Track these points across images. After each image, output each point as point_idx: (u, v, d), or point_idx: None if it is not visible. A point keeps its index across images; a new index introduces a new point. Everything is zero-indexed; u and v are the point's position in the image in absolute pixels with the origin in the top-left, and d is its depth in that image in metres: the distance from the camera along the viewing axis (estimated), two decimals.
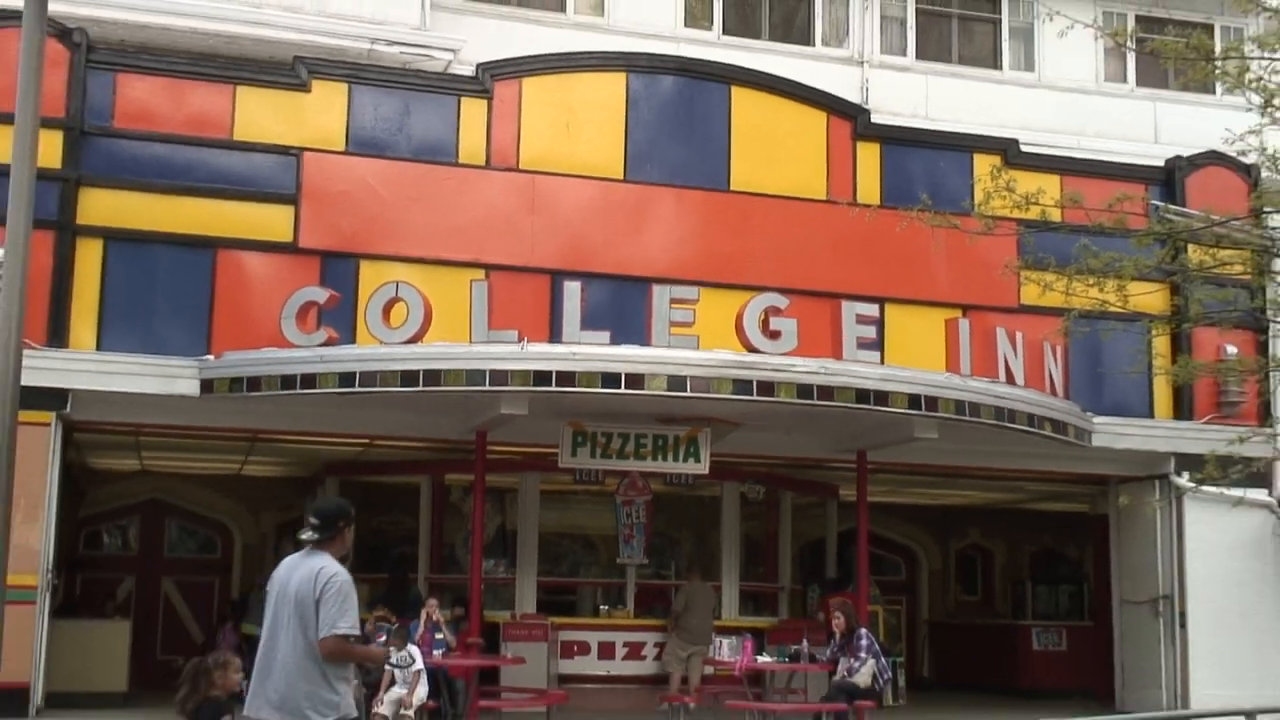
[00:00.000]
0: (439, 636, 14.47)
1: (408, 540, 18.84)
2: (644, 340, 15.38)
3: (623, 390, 14.08)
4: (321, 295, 15.47)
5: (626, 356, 14.37)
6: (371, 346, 14.96)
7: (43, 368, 14.65)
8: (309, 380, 14.52)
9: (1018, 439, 16.28)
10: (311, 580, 6.90)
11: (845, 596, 18.41)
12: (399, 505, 19.43)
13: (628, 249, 16.84)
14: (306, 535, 7.15)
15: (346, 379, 14.39)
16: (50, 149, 15.02)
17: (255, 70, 16.63)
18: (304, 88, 16.35)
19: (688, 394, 14.19)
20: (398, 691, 13.37)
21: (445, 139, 16.70)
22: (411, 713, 13.34)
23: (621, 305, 16.24)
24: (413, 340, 14.96)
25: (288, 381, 14.61)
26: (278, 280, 15.65)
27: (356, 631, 7.00)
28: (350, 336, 15.35)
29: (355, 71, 16.80)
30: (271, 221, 15.93)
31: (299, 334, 15.11)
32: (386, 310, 15.25)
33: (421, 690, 13.51)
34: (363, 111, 16.52)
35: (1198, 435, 17.12)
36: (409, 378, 14.18)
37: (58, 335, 15.11)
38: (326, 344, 14.97)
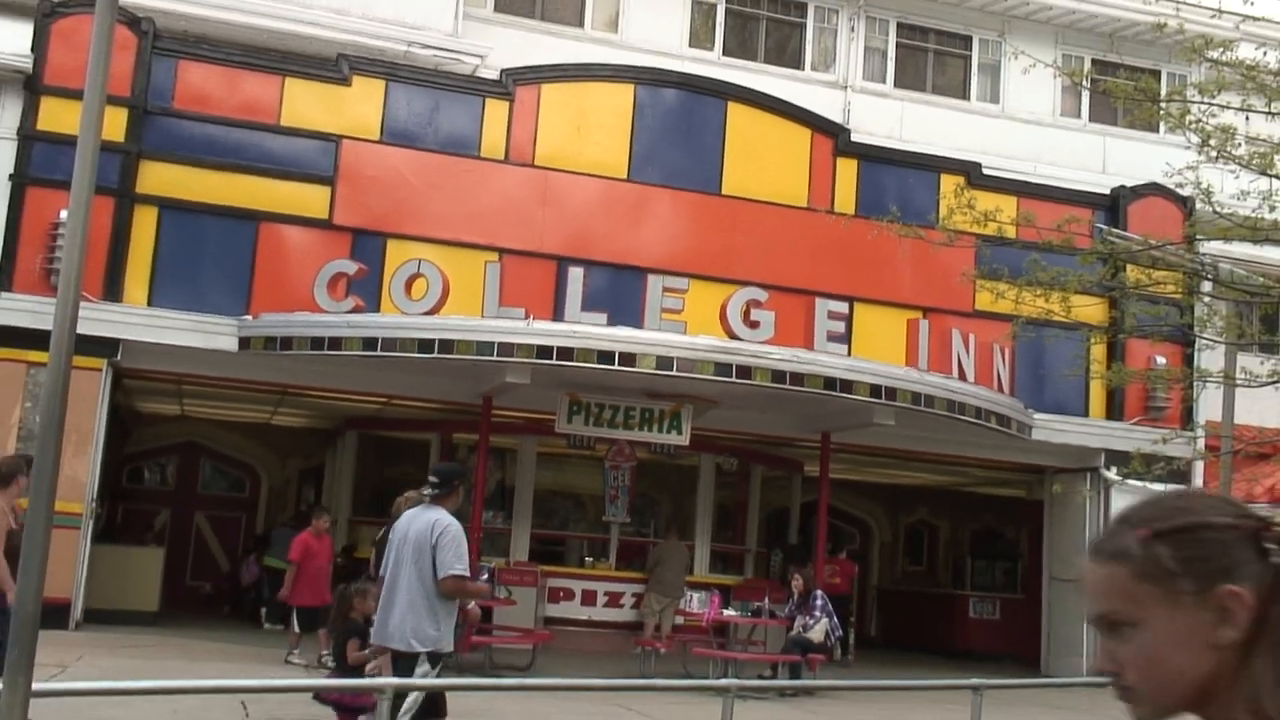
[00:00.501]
0: None
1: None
2: (638, 323, 15.44)
3: (616, 367, 14.08)
4: (351, 268, 15.48)
5: (621, 337, 14.38)
6: (394, 316, 15.00)
7: (98, 319, 14.57)
8: (336, 343, 14.53)
9: (966, 429, 16.29)
10: (429, 529, 7.34)
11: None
12: (410, 459, 19.37)
13: (627, 241, 16.81)
14: (427, 491, 7.62)
15: (370, 343, 14.39)
16: (116, 124, 14.97)
17: (302, 64, 16.56)
18: (345, 82, 16.28)
19: (674, 373, 14.21)
20: None
21: (469, 135, 16.65)
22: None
23: (619, 291, 16.22)
24: (431, 312, 15.00)
25: (317, 343, 14.61)
26: (312, 252, 15.64)
27: (467, 573, 7.62)
28: (375, 306, 15.36)
29: (392, 70, 16.74)
30: (310, 199, 15.89)
31: (329, 301, 15.14)
32: (409, 284, 15.28)
33: None
34: (397, 106, 16.47)
35: (1126, 434, 17.15)
36: (426, 345, 14.17)
37: (113, 291, 15.06)
38: (353, 311, 15.01)
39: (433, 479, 7.68)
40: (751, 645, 15.55)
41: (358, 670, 7.93)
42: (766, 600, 15.24)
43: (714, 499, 18.74)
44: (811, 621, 14.19)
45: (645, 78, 17.51)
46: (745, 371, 14.35)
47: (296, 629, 13.91)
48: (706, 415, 16.17)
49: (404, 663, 7.34)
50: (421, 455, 18.76)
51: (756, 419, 17.28)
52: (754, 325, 15.90)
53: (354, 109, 16.28)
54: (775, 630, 15.20)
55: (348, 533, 18.94)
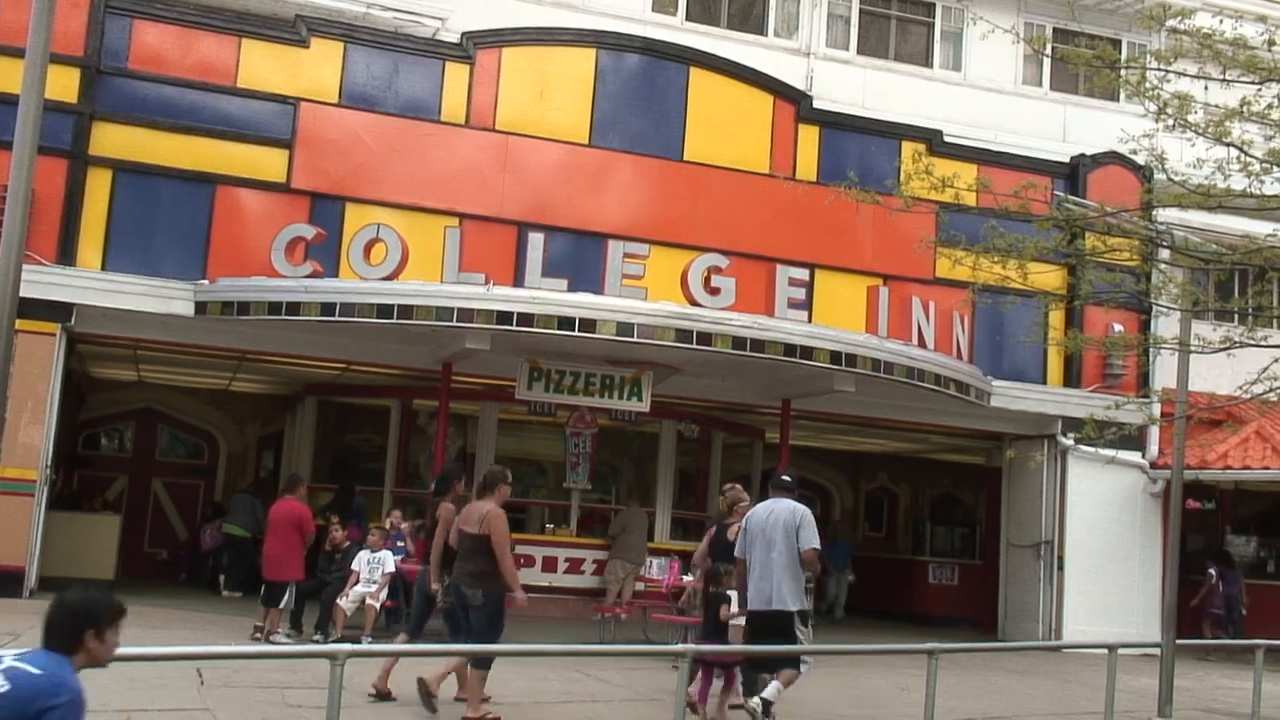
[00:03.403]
0: (400, 544, 14.45)
1: (376, 457, 18.80)
2: (598, 289, 15.42)
3: (576, 333, 14.06)
4: (309, 232, 15.36)
5: (581, 303, 14.34)
6: (352, 281, 14.90)
7: (50, 283, 14.47)
8: (294, 308, 14.41)
9: (926, 396, 16.40)
10: (793, 514, 9.44)
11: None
12: (370, 425, 19.36)
13: (588, 207, 16.75)
14: (780, 485, 9.80)
15: (328, 309, 14.29)
16: (68, 85, 14.78)
17: (259, 25, 16.36)
18: (303, 44, 16.10)
19: (634, 340, 14.21)
20: (362, 590, 13.35)
21: (429, 98, 16.51)
22: (378, 604, 13.34)
23: (580, 257, 16.19)
24: (390, 277, 14.92)
25: (274, 308, 14.50)
26: (270, 216, 15.50)
27: (819, 546, 9.50)
28: (334, 271, 15.25)
29: (351, 32, 16.55)
30: (267, 163, 15.73)
31: (287, 265, 15.02)
32: (368, 249, 15.19)
33: (384, 591, 13.51)
34: (356, 69, 16.30)
35: (1083, 401, 17.32)
36: (384, 310, 14.09)
37: (66, 254, 14.88)
38: (311, 276, 14.89)
39: (785, 479, 9.91)
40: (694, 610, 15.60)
41: (724, 631, 9.76)
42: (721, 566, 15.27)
43: (675, 466, 18.78)
44: None
45: (608, 42, 17.40)
46: (706, 338, 14.36)
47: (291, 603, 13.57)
48: (667, 382, 16.20)
49: (782, 620, 9.28)
50: (381, 421, 18.74)
51: (717, 386, 17.32)
52: (715, 292, 15.91)
53: (312, 71, 16.10)
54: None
55: (306, 500, 18.83)
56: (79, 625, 4.22)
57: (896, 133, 18.34)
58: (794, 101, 18.12)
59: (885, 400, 17.21)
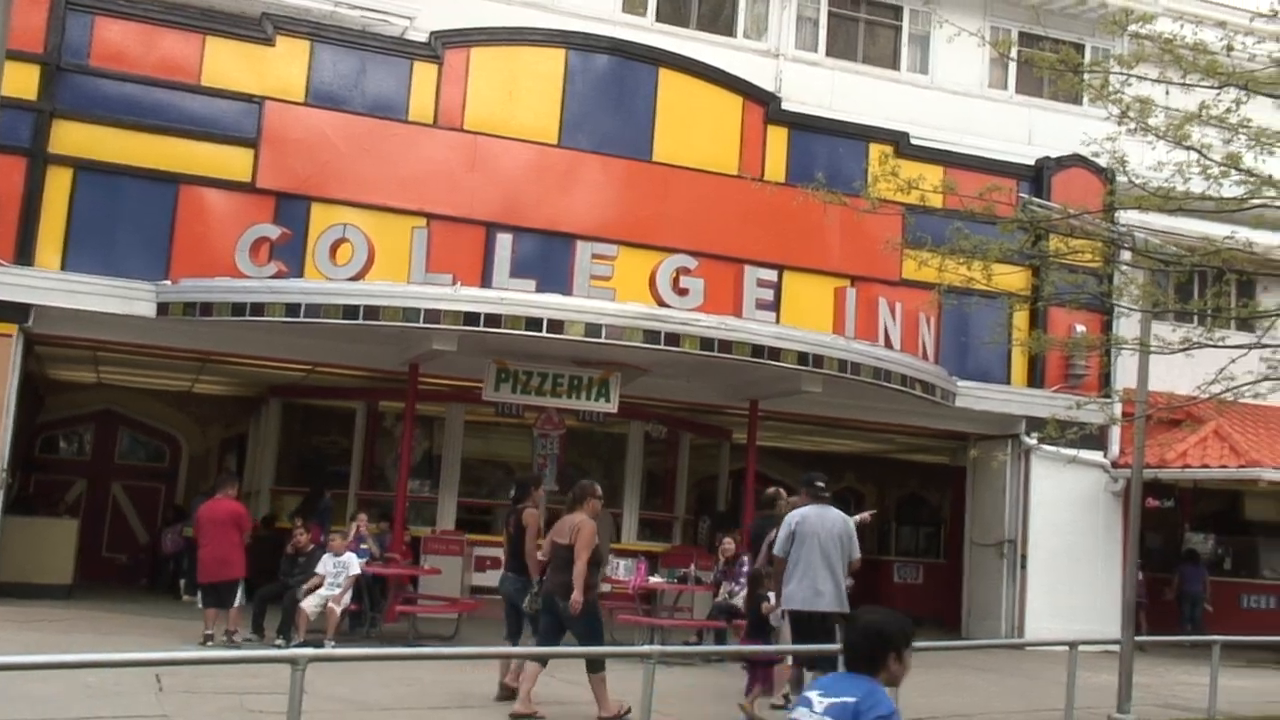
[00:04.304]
0: (364, 546, 14.49)
1: (342, 459, 18.82)
2: (566, 290, 15.48)
3: (544, 334, 14.11)
4: (274, 232, 15.37)
5: (549, 304, 14.41)
6: (318, 281, 14.90)
7: (8, 283, 14.46)
8: (258, 309, 14.40)
9: (892, 396, 16.56)
10: (844, 523, 10.42)
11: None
12: (335, 427, 19.36)
13: (557, 207, 16.82)
14: (820, 489, 10.59)
15: (293, 309, 14.28)
16: (28, 82, 14.73)
17: (224, 22, 16.34)
18: (269, 42, 16.10)
19: (602, 340, 14.27)
20: (325, 593, 13.37)
21: (397, 98, 16.55)
22: (339, 609, 13.35)
23: (548, 258, 16.25)
24: (356, 278, 14.94)
25: (238, 309, 14.49)
26: (234, 216, 15.48)
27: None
28: (299, 271, 15.24)
29: (318, 30, 16.56)
30: (232, 162, 15.71)
31: (251, 266, 15.02)
32: (334, 249, 15.20)
33: (347, 595, 13.54)
34: (323, 67, 16.31)
35: (1046, 401, 17.53)
36: (350, 311, 14.10)
37: (25, 254, 14.81)
38: (276, 276, 14.89)
39: (820, 484, 10.60)
40: (678, 612, 15.72)
41: (766, 629, 10.64)
42: (693, 567, 15.41)
43: (643, 466, 18.88)
44: (737, 588, 14.37)
45: (577, 43, 17.49)
46: (674, 339, 14.45)
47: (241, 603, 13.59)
48: (635, 383, 16.29)
49: (827, 622, 9.99)
50: (347, 423, 18.76)
51: (685, 387, 17.43)
52: (683, 293, 16.02)
53: (278, 70, 16.10)
54: (702, 597, 15.38)
55: (270, 502, 18.88)
56: (884, 648, 4.37)
57: (864, 135, 18.51)
58: (763, 103, 18.26)
59: (852, 401, 17.37)
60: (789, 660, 10.87)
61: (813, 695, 4.35)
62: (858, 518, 11.52)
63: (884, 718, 4.17)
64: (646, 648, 9.16)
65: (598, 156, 17.16)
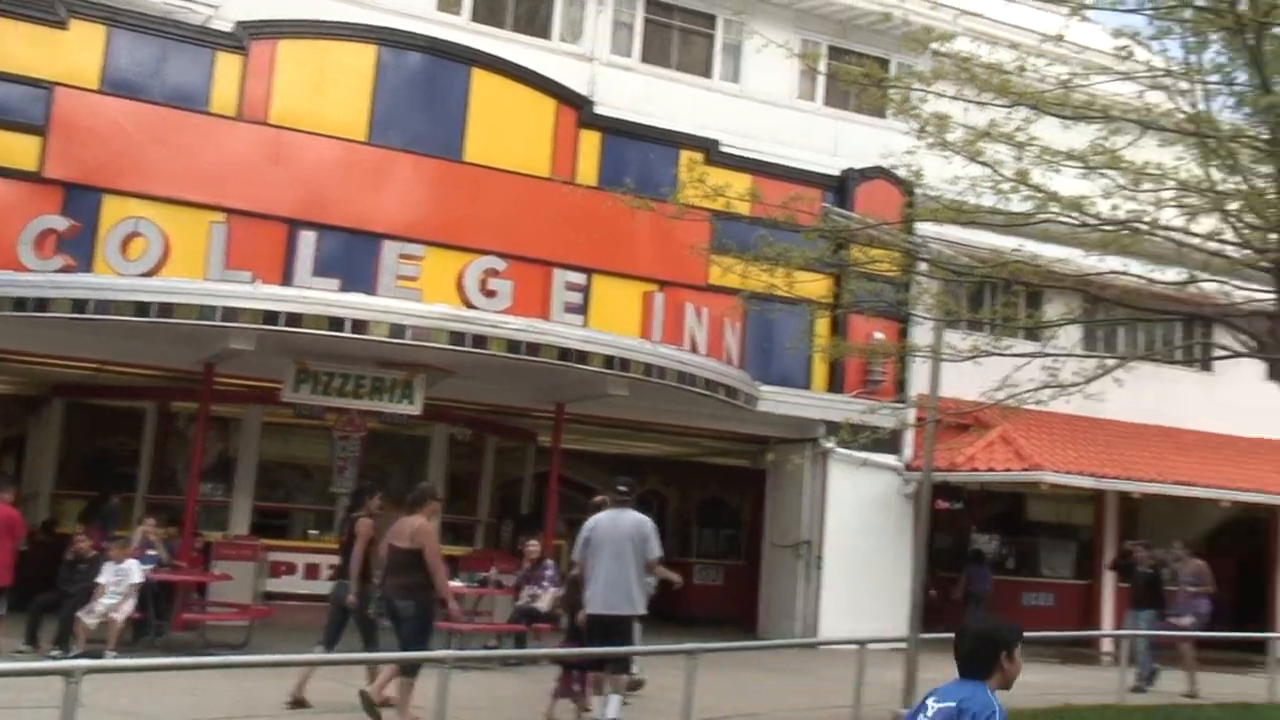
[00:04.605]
0: (151, 552, 13.95)
1: (130, 462, 18.07)
2: (371, 290, 15.22)
3: (347, 334, 13.85)
4: (61, 224, 14.71)
5: (353, 304, 14.14)
6: (107, 277, 14.30)
7: None
8: (42, 304, 13.75)
9: (697, 400, 16.78)
10: (637, 524, 10.33)
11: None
12: (124, 428, 18.56)
13: (364, 206, 16.50)
14: (622, 493, 10.56)
15: (80, 305, 13.68)
16: None
17: (13, 3, 15.50)
18: (62, 25, 15.38)
19: (407, 342, 14.10)
20: (106, 602, 12.81)
21: (198, 88, 16.00)
22: (120, 618, 12.80)
23: (353, 257, 15.93)
24: (150, 274, 14.41)
25: (19, 304, 13.81)
26: (18, 207, 14.74)
27: (662, 555, 10.48)
28: (88, 266, 14.61)
29: (115, 15, 15.87)
30: (16, 150, 14.96)
31: (36, 260, 14.36)
32: (125, 243, 14.63)
33: (129, 603, 13.00)
34: (119, 54, 15.66)
35: (845, 406, 17.90)
36: (142, 308, 13.57)
37: None
38: (63, 271, 14.25)
39: (622, 488, 10.59)
40: (478, 616, 15.60)
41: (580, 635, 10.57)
42: (494, 570, 15.32)
43: (446, 469, 18.68)
44: (540, 591, 14.35)
45: (389, 39, 17.18)
46: (480, 341, 14.35)
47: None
48: (441, 385, 16.11)
49: (625, 624, 10.18)
50: (136, 424, 18.03)
51: (492, 389, 17.32)
52: (491, 295, 15.93)
53: (71, 55, 15.38)
54: (503, 600, 15.30)
55: (51, 506, 17.97)
56: (995, 651, 4.58)
57: (675, 141, 18.67)
58: (576, 106, 18.27)
59: (658, 404, 17.52)
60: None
61: (929, 701, 4.61)
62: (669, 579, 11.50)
63: (990, 715, 4.43)
64: (441, 653, 9.05)
65: (408, 155, 16.91)
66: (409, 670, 9.62)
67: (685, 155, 18.16)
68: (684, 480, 26.05)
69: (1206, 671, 16.09)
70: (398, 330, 13.97)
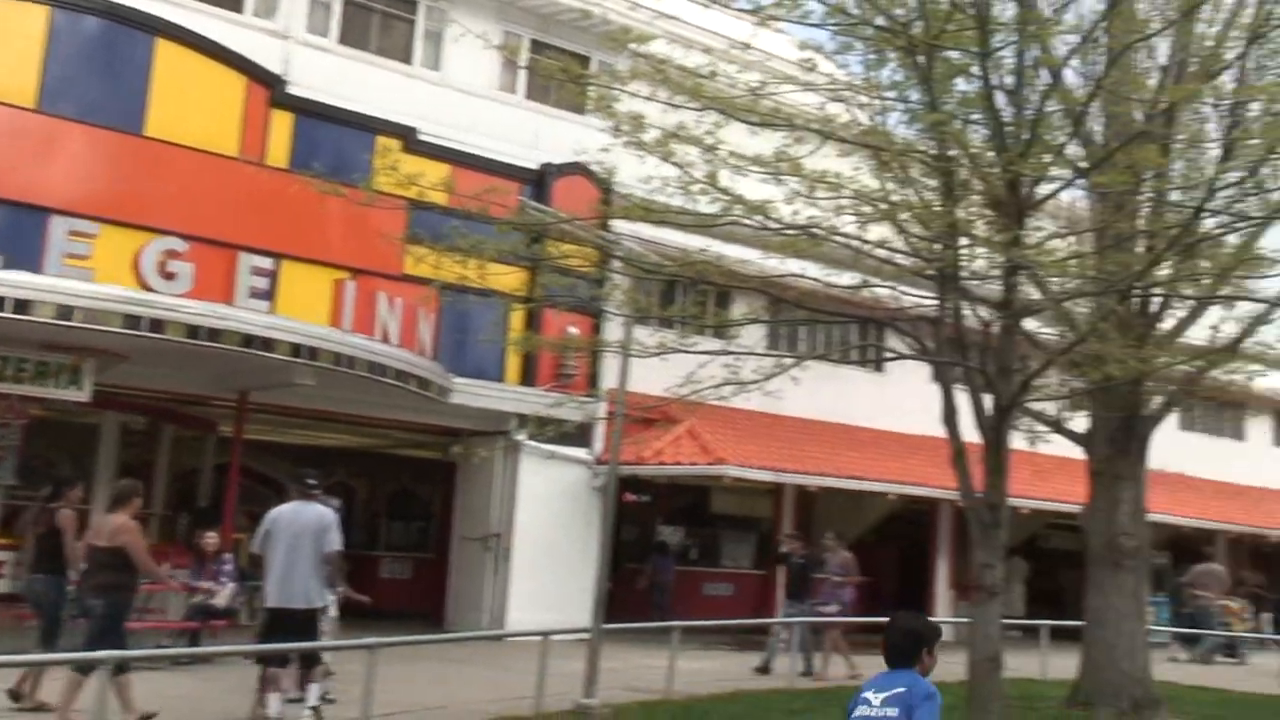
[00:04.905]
0: None
1: None
2: (37, 268, 14.29)
3: (8, 314, 12.90)
4: None
5: (16, 282, 13.22)
6: None
7: None
8: None
9: (388, 391, 16.50)
10: (319, 517, 10.22)
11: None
12: None
13: (30, 178, 15.41)
14: (310, 486, 10.43)
15: None
16: None
17: None
18: None
19: (75, 324, 13.27)
20: None
21: None
22: None
23: (17, 232, 14.94)
24: None
25: None
26: None
27: (341, 548, 10.39)
28: None
29: None
30: None
31: None
32: None
33: None
34: None
35: (538, 399, 18.07)
36: None
37: None
38: None
39: (311, 480, 10.48)
40: (148, 613, 14.81)
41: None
42: (168, 565, 14.57)
43: (118, 459, 17.65)
44: (218, 586, 13.78)
45: (64, 1, 16.07)
46: (157, 325, 13.65)
47: None
48: (114, 370, 15.21)
49: (306, 617, 10.08)
50: None
51: (170, 376, 16.49)
52: (170, 277, 15.21)
53: None
54: (179, 596, 14.59)
55: None
56: (919, 645, 5.25)
57: (371, 126, 18.31)
58: (268, 85, 17.64)
59: (348, 395, 17.13)
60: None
61: (869, 694, 5.16)
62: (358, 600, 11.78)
63: (932, 695, 5.07)
64: (103, 654, 8.55)
65: (81, 125, 15.90)
66: (120, 668, 9.33)
67: (381, 141, 17.78)
68: (374, 472, 25.58)
69: (862, 655, 17.04)
70: (65, 312, 13.13)
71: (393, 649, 10.10)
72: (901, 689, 5.07)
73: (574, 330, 18.11)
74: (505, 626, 18.79)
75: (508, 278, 14.37)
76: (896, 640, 5.25)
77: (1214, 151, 11.79)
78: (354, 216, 15.47)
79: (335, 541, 10.23)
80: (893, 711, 5.04)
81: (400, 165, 11.53)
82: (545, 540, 19.60)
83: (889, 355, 14.25)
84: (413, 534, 24.24)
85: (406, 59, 21.49)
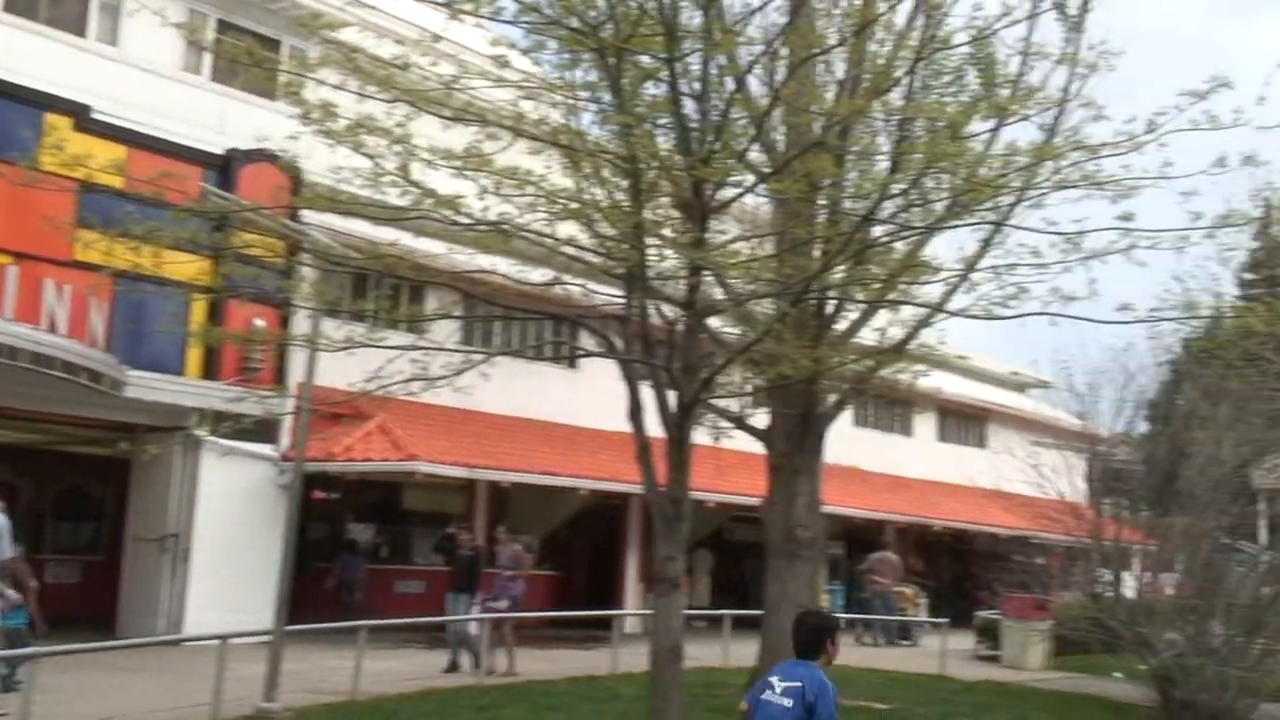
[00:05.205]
0: None
1: None
2: None
3: None
4: None
5: None
6: None
7: None
8: None
9: (55, 384, 15.56)
10: None
11: None
12: None
13: None
14: None
15: None
16: None
17: None
18: None
19: None
20: None
21: None
22: None
23: None
24: None
25: None
26: None
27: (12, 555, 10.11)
28: None
29: None
30: None
31: None
32: None
33: None
34: None
35: (220, 394, 17.35)
36: None
37: None
38: None
39: None
40: None
41: None
42: None
43: None
44: None
45: None
46: None
47: None
48: None
49: None
50: None
51: None
52: None
53: None
54: None
55: None
56: (823, 636, 6.06)
57: (40, 101, 17.20)
58: None
59: (11, 388, 16.00)
60: None
61: (773, 680, 5.93)
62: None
63: (825, 689, 5.79)
64: None
65: None
66: None
67: (50, 119, 16.75)
68: (40, 470, 23.95)
69: (554, 649, 17.26)
70: None
71: (56, 659, 9.44)
72: (799, 683, 5.80)
73: (260, 323, 17.49)
74: (183, 631, 17.98)
75: (187, 266, 13.75)
76: (806, 636, 6.05)
77: (884, 164, 12.51)
78: (17, 198, 14.53)
79: (7, 549, 9.60)
80: (788, 702, 5.76)
81: (67, 144, 10.87)
82: (227, 540, 18.87)
83: (579, 352, 14.45)
84: (83, 535, 22.86)
85: (80, 32, 20.26)
